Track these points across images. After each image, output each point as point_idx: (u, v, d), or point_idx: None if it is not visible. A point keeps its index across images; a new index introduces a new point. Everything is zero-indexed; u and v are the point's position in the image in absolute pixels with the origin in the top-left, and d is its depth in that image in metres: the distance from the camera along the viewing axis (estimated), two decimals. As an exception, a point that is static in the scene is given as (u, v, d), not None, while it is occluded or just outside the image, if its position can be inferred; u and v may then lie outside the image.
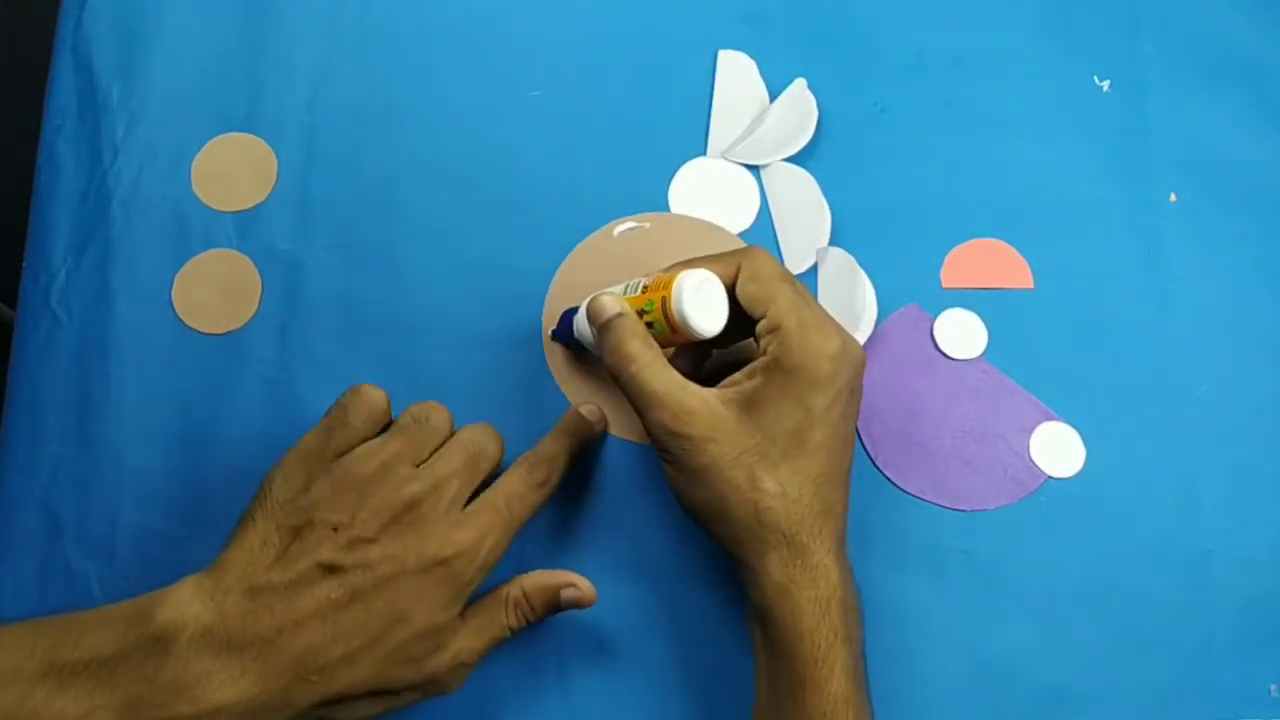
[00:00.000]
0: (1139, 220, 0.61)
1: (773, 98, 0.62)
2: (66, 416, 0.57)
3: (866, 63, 0.63)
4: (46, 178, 0.61)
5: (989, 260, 0.60)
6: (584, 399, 0.58)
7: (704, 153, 0.61)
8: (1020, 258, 0.60)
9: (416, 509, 0.47)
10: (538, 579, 0.51)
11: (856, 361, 0.49)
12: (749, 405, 0.47)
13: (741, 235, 0.60)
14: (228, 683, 0.43)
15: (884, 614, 0.54)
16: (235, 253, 0.59)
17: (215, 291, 0.59)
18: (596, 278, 0.59)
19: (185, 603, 0.44)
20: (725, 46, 0.63)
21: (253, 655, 0.44)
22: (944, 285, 0.59)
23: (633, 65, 0.62)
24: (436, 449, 0.50)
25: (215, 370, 0.58)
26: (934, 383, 0.58)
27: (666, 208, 0.60)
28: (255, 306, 0.59)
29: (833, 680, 0.45)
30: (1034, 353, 0.59)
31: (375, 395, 0.50)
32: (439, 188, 0.61)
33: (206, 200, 0.60)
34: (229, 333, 0.58)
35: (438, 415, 0.50)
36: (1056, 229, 0.61)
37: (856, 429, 0.51)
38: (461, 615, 0.48)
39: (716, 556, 0.56)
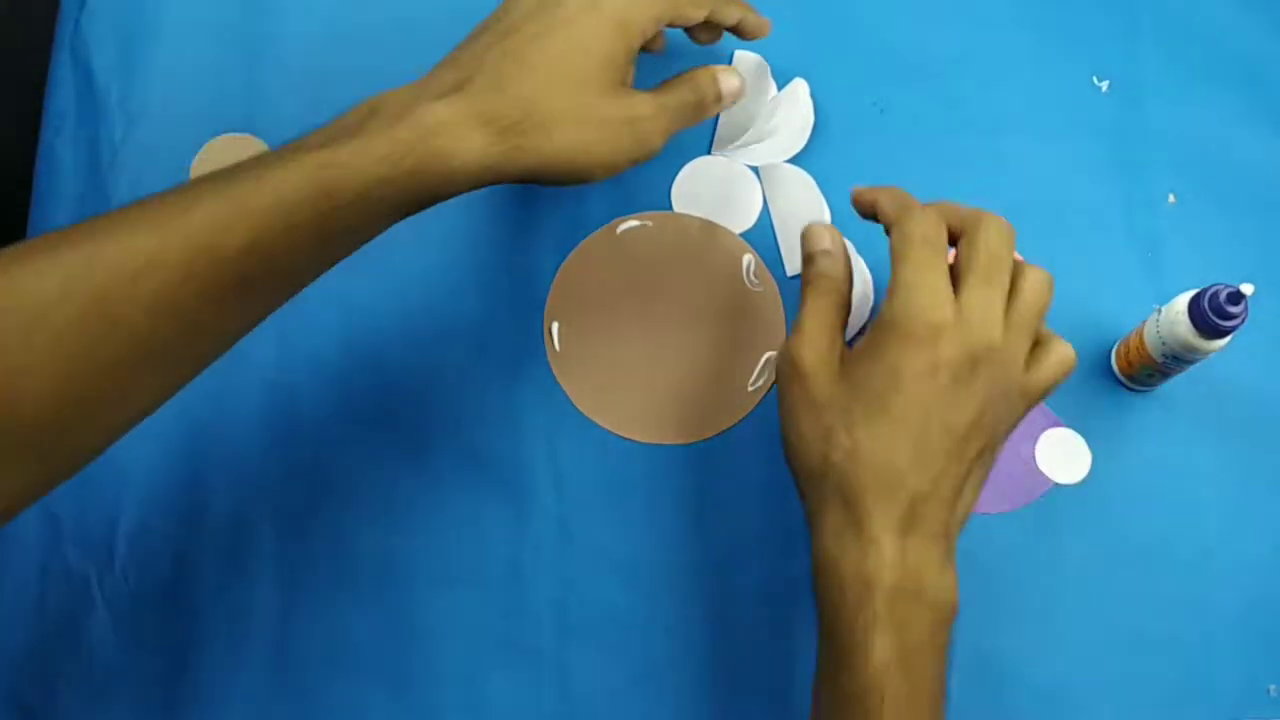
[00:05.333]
0: (1137, 220, 0.61)
1: None
2: (66, 417, 0.57)
3: (866, 63, 0.63)
4: (46, 178, 0.61)
5: (989, 260, 0.60)
6: (585, 399, 0.58)
7: (708, 151, 0.61)
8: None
9: None
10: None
11: (973, 342, 0.45)
12: (853, 361, 0.47)
13: (744, 235, 0.60)
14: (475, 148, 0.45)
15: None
16: (235, 253, 0.59)
17: (215, 292, 0.59)
18: (599, 277, 0.59)
19: (459, 140, 0.45)
20: (726, 46, 0.63)
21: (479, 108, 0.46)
22: None
23: (635, 65, 0.62)
24: None
25: (215, 371, 0.58)
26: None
27: (670, 207, 0.60)
28: (255, 307, 0.59)
29: (869, 663, 0.43)
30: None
31: None
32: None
33: (206, 200, 0.60)
34: (229, 333, 0.58)
35: None
36: (1056, 229, 0.61)
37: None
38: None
39: (717, 559, 0.56)
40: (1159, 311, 0.53)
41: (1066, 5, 0.64)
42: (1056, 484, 0.57)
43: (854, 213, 0.59)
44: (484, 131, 0.45)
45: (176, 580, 0.57)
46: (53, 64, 0.63)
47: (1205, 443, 0.58)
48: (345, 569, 0.57)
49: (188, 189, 0.42)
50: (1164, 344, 0.53)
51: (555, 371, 0.58)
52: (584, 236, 0.60)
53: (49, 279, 0.38)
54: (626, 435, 0.58)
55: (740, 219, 0.60)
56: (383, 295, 0.59)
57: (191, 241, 0.40)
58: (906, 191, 0.50)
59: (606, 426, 0.58)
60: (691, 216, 0.60)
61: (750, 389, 0.58)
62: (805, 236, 0.52)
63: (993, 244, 0.47)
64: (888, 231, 0.49)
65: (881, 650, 0.43)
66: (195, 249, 0.40)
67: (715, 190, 0.60)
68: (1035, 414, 0.58)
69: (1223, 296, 0.49)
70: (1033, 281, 0.48)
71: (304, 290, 0.58)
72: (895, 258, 0.47)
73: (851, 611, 0.44)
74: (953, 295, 0.46)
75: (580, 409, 0.58)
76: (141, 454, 0.57)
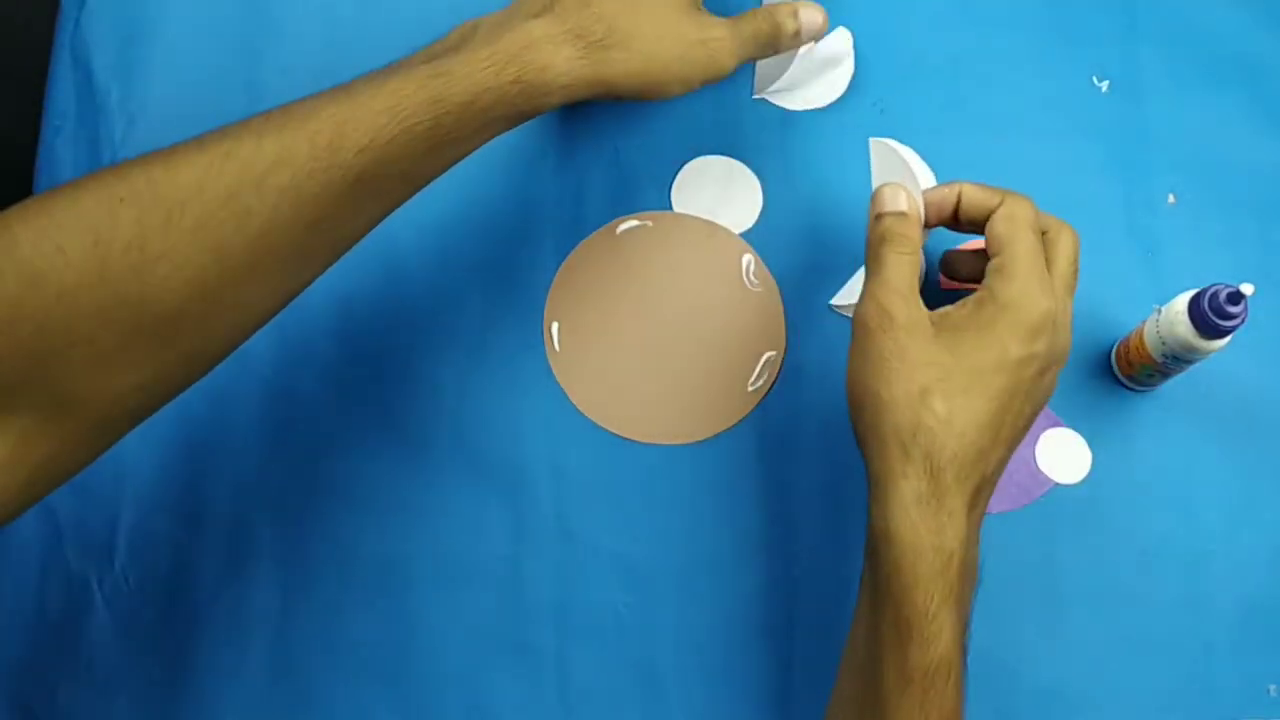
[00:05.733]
0: (1137, 220, 0.61)
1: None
2: (66, 417, 0.57)
3: (867, 63, 0.63)
4: (46, 178, 0.61)
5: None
6: (585, 399, 0.58)
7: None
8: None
9: None
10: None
11: (1059, 342, 0.48)
12: (952, 328, 0.47)
13: (744, 235, 0.60)
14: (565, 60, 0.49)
15: (885, 614, 0.54)
16: (235, 253, 0.59)
17: (215, 292, 0.59)
18: (599, 277, 0.59)
19: (554, 54, 0.48)
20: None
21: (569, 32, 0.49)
22: (942, 286, 0.59)
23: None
24: None
25: (215, 371, 0.58)
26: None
27: (670, 207, 0.60)
28: (255, 307, 0.59)
29: (941, 639, 0.44)
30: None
31: None
32: (438, 186, 0.60)
33: (206, 200, 0.60)
34: (229, 333, 0.58)
35: None
36: (1056, 229, 0.60)
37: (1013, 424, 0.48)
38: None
39: (717, 559, 0.56)
40: (1159, 311, 0.53)
41: (1066, 5, 0.64)
42: (1056, 484, 0.57)
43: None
44: (574, 46, 0.49)
45: (176, 580, 0.57)
46: (53, 64, 0.63)
47: (1205, 443, 0.58)
48: (345, 569, 0.57)
49: (309, 100, 0.45)
50: (1164, 344, 0.53)
51: (555, 371, 0.58)
52: (584, 236, 0.60)
53: (186, 174, 0.41)
54: (626, 435, 0.57)
55: (740, 219, 0.60)
56: (382, 294, 0.59)
57: (315, 141, 0.43)
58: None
59: (606, 426, 0.58)
60: (691, 216, 0.60)
61: (750, 389, 0.58)
62: (879, 196, 0.52)
63: (1073, 255, 0.50)
64: (969, 219, 0.51)
65: (953, 626, 0.44)
66: (318, 148, 0.43)
67: (715, 190, 0.60)
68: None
69: (1223, 296, 0.49)
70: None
71: (304, 289, 0.59)
72: (1004, 239, 0.48)
73: (928, 581, 0.44)
74: (1059, 290, 0.48)
75: (580, 409, 0.58)
76: (141, 454, 0.57)
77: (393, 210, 0.48)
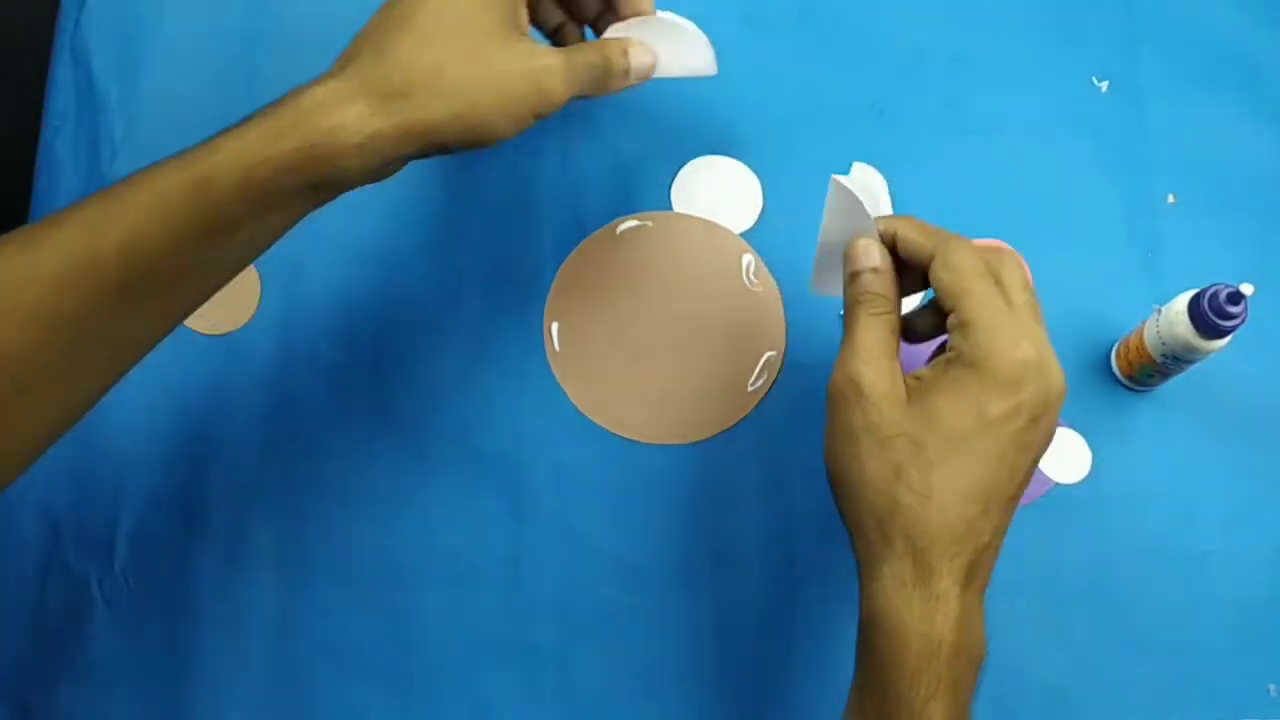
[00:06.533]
0: (1137, 221, 0.61)
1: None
2: (66, 417, 0.57)
3: (866, 63, 0.63)
4: (46, 178, 0.61)
5: (989, 260, 0.60)
6: (585, 399, 0.58)
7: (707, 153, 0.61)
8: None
9: None
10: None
11: (1050, 385, 0.43)
12: (924, 393, 0.43)
13: (744, 235, 0.60)
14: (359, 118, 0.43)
15: (885, 614, 0.54)
16: (235, 253, 0.59)
17: (215, 292, 0.59)
18: (599, 277, 0.59)
19: (340, 113, 0.43)
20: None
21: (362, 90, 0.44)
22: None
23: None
24: None
25: (215, 371, 0.58)
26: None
27: (670, 207, 0.60)
28: (255, 307, 0.59)
29: None
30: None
31: None
32: (439, 186, 0.61)
33: (206, 200, 0.60)
34: (229, 333, 0.58)
35: None
36: (1055, 229, 0.61)
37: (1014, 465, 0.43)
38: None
39: (717, 559, 0.56)
40: (1159, 311, 0.53)
41: (1066, 5, 0.64)
42: (1056, 484, 0.57)
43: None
44: (365, 102, 0.43)
45: (176, 580, 0.57)
46: (53, 64, 0.63)
47: (1205, 443, 0.58)
48: (345, 569, 0.57)
49: (70, 206, 0.41)
50: (1164, 344, 0.53)
51: (555, 371, 0.58)
52: (584, 236, 0.60)
53: None
54: (626, 435, 0.58)
55: (740, 219, 0.60)
56: (382, 295, 0.59)
57: (67, 249, 0.39)
58: (921, 220, 0.48)
59: (606, 426, 0.58)
60: (691, 216, 0.60)
61: (750, 389, 0.58)
62: (853, 252, 0.47)
63: (1023, 281, 0.45)
64: (908, 260, 0.47)
65: (940, 717, 0.41)
66: (71, 255, 0.39)
67: (715, 190, 0.60)
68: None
69: (1223, 296, 0.49)
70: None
71: (303, 289, 0.59)
72: (954, 292, 0.44)
73: (914, 673, 0.41)
74: (1034, 331, 0.44)
75: (580, 409, 0.58)
76: (141, 454, 0.57)
77: (208, 297, 0.44)
